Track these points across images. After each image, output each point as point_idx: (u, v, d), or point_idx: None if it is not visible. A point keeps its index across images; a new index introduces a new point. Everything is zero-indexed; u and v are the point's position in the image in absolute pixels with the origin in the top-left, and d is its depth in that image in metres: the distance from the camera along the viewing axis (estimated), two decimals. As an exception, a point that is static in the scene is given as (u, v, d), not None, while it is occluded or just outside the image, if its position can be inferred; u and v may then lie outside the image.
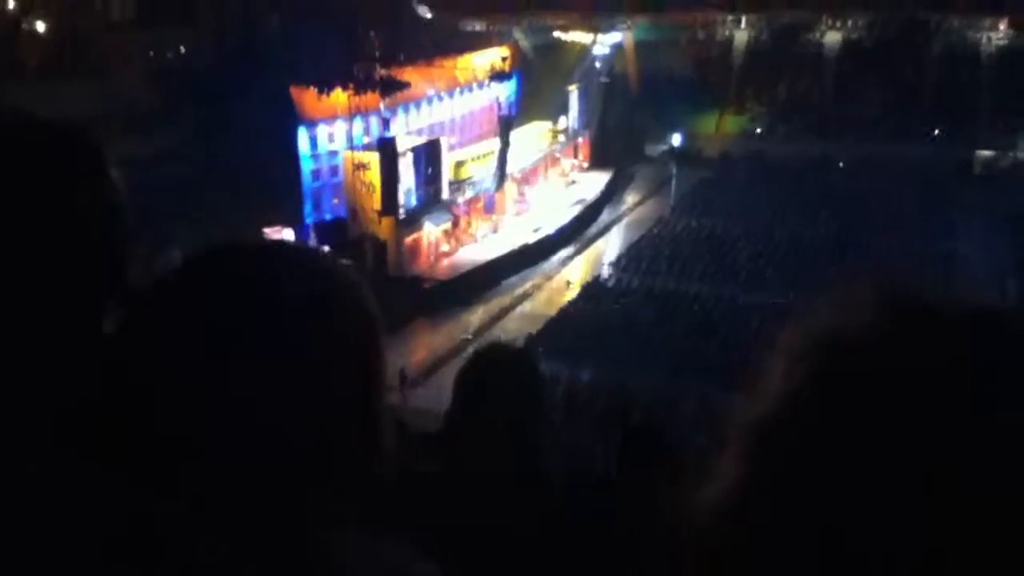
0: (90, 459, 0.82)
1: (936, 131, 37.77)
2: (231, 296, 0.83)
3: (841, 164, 36.24)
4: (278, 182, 24.35)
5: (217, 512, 0.79)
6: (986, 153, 36.57)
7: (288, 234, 23.71)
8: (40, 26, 34.87)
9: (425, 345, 21.54)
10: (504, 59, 31.06)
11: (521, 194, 31.82)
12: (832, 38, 41.92)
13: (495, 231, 29.21)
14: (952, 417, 0.61)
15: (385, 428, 0.90)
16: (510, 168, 29.72)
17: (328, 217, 25.71)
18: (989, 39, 39.77)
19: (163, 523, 0.78)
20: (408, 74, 26.67)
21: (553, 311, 24.37)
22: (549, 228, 29.45)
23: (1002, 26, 39.49)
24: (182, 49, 38.46)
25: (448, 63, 29.90)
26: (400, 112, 27.37)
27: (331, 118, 25.64)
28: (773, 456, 0.67)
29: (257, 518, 0.81)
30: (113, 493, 0.79)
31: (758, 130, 41.42)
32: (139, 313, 0.86)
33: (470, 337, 21.58)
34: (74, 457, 0.84)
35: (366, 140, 26.06)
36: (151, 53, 37.41)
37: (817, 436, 0.65)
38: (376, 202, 24.66)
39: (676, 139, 38.33)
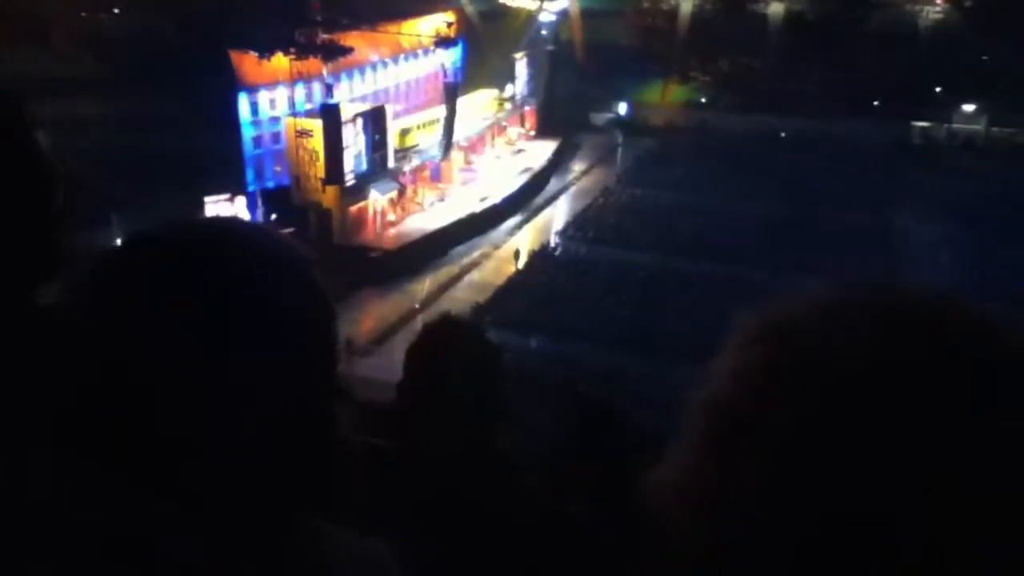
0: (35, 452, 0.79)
1: (876, 103, 38.50)
2: (177, 278, 0.79)
3: (783, 135, 36.74)
4: (219, 149, 23.82)
5: (196, 509, 0.76)
6: (923, 125, 37.41)
7: (238, 202, 23.34)
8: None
9: (373, 315, 21.42)
10: (449, 25, 30.73)
11: (468, 162, 31.69)
12: (775, 9, 42.31)
13: (442, 200, 29.05)
14: (898, 407, 0.62)
15: (338, 403, 0.87)
16: (456, 136, 29.53)
17: (271, 185, 25.30)
18: (926, 13, 40.55)
19: (139, 519, 0.75)
20: (351, 39, 26.22)
21: (501, 280, 24.39)
22: (496, 197, 29.38)
23: (938, 0, 40.31)
24: (116, 11, 37.26)
25: (392, 28, 29.45)
26: (344, 78, 26.95)
27: (272, 84, 25.14)
28: (724, 436, 0.68)
29: (242, 514, 0.78)
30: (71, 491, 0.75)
31: (702, 100, 41.78)
32: (82, 295, 0.80)
33: (418, 307, 21.51)
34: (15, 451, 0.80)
35: (308, 107, 25.63)
36: (83, 15, 36.19)
37: (767, 417, 0.66)
38: (320, 170, 24.32)
39: (622, 108, 38.47)
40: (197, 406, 0.75)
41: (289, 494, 0.81)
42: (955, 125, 37.32)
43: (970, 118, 37.54)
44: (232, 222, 0.93)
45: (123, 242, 0.84)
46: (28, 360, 0.87)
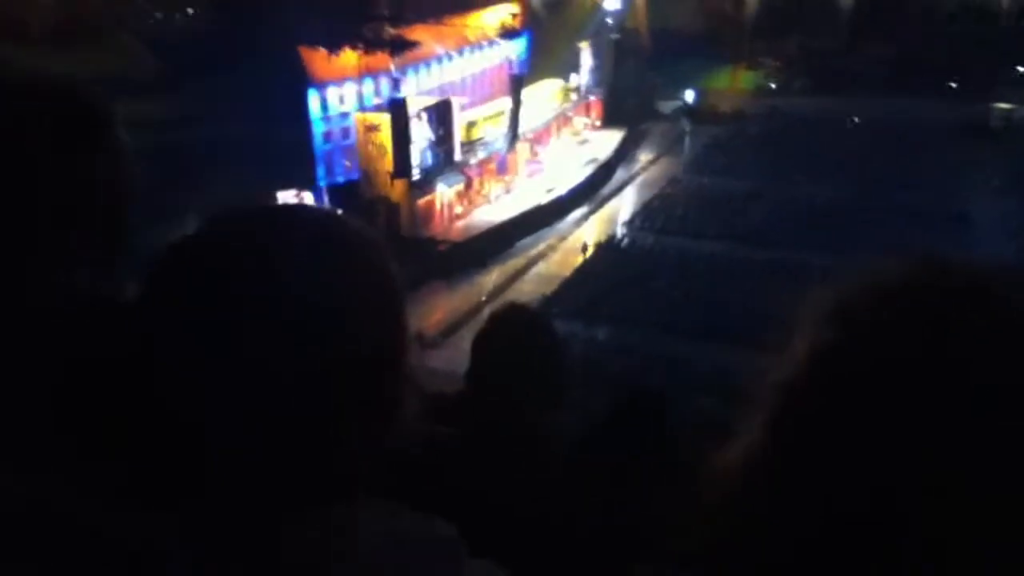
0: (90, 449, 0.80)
1: (952, 84, 37.20)
2: (252, 261, 0.80)
3: (855, 120, 35.77)
4: (290, 145, 24.23)
5: (235, 489, 0.78)
6: (1002, 106, 36.02)
7: (307, 198, 23.71)
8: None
9: (441, 307, 21.59)
10: (514, 16, 30.65)
11: (534, 154, 31.62)
12: (846, -10, 41.24)
13: (508, 192, 29.07)
14: (976, 392, 0.61)
15: (406, 391, 0.89)
16: (522, 128, 29.49)
17: (340, 180, 25.64)
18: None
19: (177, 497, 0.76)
20: (418, 33, 26.38)
21: (568, 272, 24.33)
22: (562, 188, 29.28)
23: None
24: (189, 11, 38.15)
25: (458, 21, 29.51)
26: (410, 72, 27.13)
27: (341, 79, 25.44)
28: (793, 421, 0.68)
29: (281, 494, 0.80)
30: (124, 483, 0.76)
31: (772, 85, 40.94)
32: (157, 283, 0.83)
33: (485, 299, 21.61)
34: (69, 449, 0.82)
35: (376, 101, 25.88)
36: (157, 15, 37.15)
37: (836, 403, 0.65)
38: (388, 164, 24.55)
39: (689, 96, 37.95)
40: (264, 386, 0.77)
41: (328, 468, 0.82)
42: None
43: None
44: (302, 208, 0.94)
45: (196, 231, 0.85)
46: (87, 344, 0.89)
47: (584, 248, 25.83)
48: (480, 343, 2.23)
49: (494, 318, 2.29)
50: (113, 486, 0.78)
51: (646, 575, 0.80)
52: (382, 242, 0.90)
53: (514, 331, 2.23)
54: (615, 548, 1.96)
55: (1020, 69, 36.64)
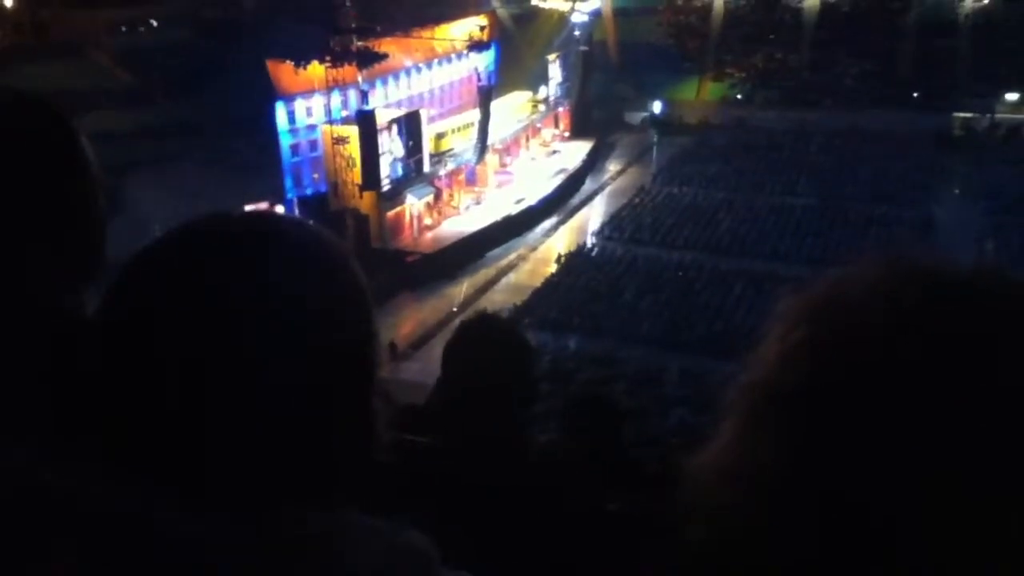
0: (72, 450, 0.79)
1: (915, 95, 37.85)
2: (226, 267, 0.79)
3: (820, 130, 36.25)
4: (257, 158, 24.15)
5: (217, 493, 0.76)
6: (964, 115, 36.70)
7: (278, 210, 23.57)
8: (7, 2, 34.24)
9: (412, 319, 21.55)
10: (482, 28, 30.81)
11: (503, 165, 31.70)
12: (811, 3, 41.81)
13: (478, 203, 29.10)
14: (949, 380, 0.61)
15: (378, 403, 0.87)
16: (491, 139, 29.55)
17: (309, 192, 25.55)
18: (966, 1, 39.79)
19: (160, 509, 0.75)
20: (385, 45, 26.41)
21: (538, 282, 24.39)
22: (532, 199, 29.36)
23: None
24: (154, 23, 37.89)
25: (426, 33, 29.59)
26: (378, 84, 27.15)
27: (309, 92, 25.39)
28: (767, 420, 0.67)
29: (258, 499, 0.78)
30: (102, 485, 0.75)
31: (738, 96, 41.38)
32: (125, 287, 0.80)
33: (456, 310, 21.58)
34: (55, 447, 0.80)
35: (344, 114, 25.84)
36: (123, 29, 36.86)
37: (810, 400, 0.65)
38: (356, 176, 24.51)
39: (656, 107, 38.27)
40: (235, 394, 0.76)
41: (315, 484, 0.82)
42: (998, 115, 36.53)
43: (1013, 107, 36.75)
44: (271, 215, 0.93)
45: (164, 235, 0.83)
46: (53, 356, 0.88)
47: (559, 258, 25.92)
48: (451, 352, 2.23)
49: (465, 327, 2.30)
50: (105, 471, 0.77)
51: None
52: (347, 246, 0.89)
53: (485, 339, 2.24)
54: (595, 545, 1.96)
55: (979, 80, 37.31)
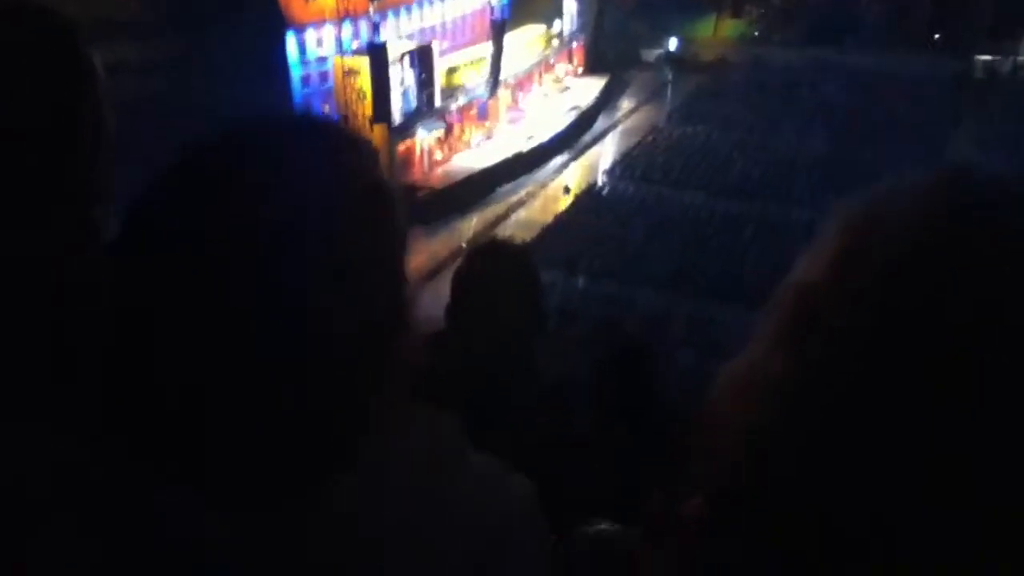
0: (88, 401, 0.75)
1: (936, 36, 37.10)
2: (255, 172, 0.76)
3: (837, 73, 35.64)
4: (267, 89, 23.87)
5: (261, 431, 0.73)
6: (985, 59, 35.99)
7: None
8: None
9: (422, 252, 21.53)
10: (497, -41, 30.14)
11: (515, 101, 31.34)
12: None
13: (489, 138, 28.86)
14: (1007, 289, 0.57)
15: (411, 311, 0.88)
16: (504, 74, 29.17)
17: (319, 124, 25.31)
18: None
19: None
20: (398, -25, 25.91)
21: (548, 219, 24.30)
22: (543, 135, 29.09)
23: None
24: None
25: (439, -36, 29.00)
26: (390, 16, 26.67)
27: (319, 22, 24.98)
28: (816, 328, 0.64)
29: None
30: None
31: (755, 35, 40.64)
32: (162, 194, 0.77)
33: (465, 245, 21.56)
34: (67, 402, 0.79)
35: (356, 45, 25.47)
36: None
37: (864, 309, 0.61)
38: (367, 109, 24.26)
39: (672, 44, 37.62)
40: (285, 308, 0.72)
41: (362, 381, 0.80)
42: (1020, 57, 35.80)
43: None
44: (302, 116, 0.90)
45: (193, 142, 0.80)
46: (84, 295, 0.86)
47: (566, 190, 25.79)
48: (460, 278, 2.22)
49: (473, 253, 2.29)
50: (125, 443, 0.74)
51: (659, 502, 0.79)
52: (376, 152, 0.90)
53: (494, 265, 2.22)
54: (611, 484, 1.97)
55: (1005, 21, 36.48)
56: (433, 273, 20.67)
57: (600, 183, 27.22)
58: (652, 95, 35.51)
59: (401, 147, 25.25)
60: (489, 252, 2.30)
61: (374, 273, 0.81)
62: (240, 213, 0.73)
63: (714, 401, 0.69)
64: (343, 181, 0.81)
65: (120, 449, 0.74)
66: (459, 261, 2.31)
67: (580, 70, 36.31)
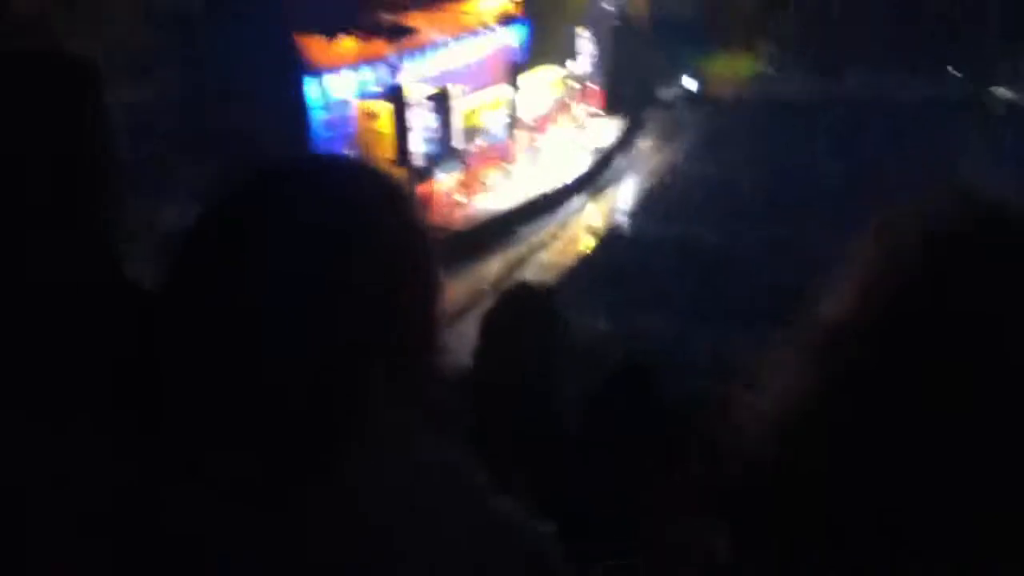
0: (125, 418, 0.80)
1: (950, 67, 37.15)
2: (295, 217, 0.82)
3: (851, 104, 35.70)
4: (288, 133, 24.14)
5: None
6: (1003, 91, 35.97)
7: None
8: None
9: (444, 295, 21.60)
10: (514, 3, 30.56)
11: (533, 141, 31.57)
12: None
13: (508, 179, 29.02)
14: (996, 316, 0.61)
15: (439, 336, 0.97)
16: (522, 115, 29.41)
17: (340, 168, 25.61)
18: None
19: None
20: (416, 19, 26.28)
21: (569, 260, 24.34)
22: (563, 176, 29.22)
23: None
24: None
25: (456, 7, 29.40)
26: (408, 59, 27.04)
27: (339, 67, 25.35)
28: (846, 363, 0.66)
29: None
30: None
31: (770, 70, 40.95)
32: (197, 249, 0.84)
33: (487, 288, 21.61)
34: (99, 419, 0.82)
35: (375, 89, 25.80)
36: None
37: (882, 340, 0.64)
38: (387, 152, 24.52)
39: (688, 82, 37.88)
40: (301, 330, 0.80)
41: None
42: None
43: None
44: (339, 159, 0.98)
45: (234, 175, 0.85)
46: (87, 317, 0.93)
47: (591, 230, 25.87)
48: (488, 321, 2.22)
49: (502, 296, 2.29)
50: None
51: (678, 533, 0.77)
52: (411, 192, 0.94)
53: (521, 308, 2.23)
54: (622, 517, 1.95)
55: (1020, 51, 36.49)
56: (456, 317, 20.74)
57: (620, 223, 27.26)
58: (669, 134, 35.70)
59: (421, 189, 25.43)
60: (517, 296, 2.30)
61: (407, 311, 0.90)
62: (280, 258, 0.80)
63: (735, 424, 0.72)
64: (382, 227, 0.87)
65: (126, 446, 0.79)
66: (484, 304, 2.31)
67: (598, 110, 36.59)
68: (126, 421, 0.76)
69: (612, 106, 37.10)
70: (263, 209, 0.81)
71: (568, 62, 35.27)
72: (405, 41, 25.78)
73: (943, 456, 0.58)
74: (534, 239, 25.99)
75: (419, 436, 0.89)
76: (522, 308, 2.22)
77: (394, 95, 24.36)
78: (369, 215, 0.85)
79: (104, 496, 0.75)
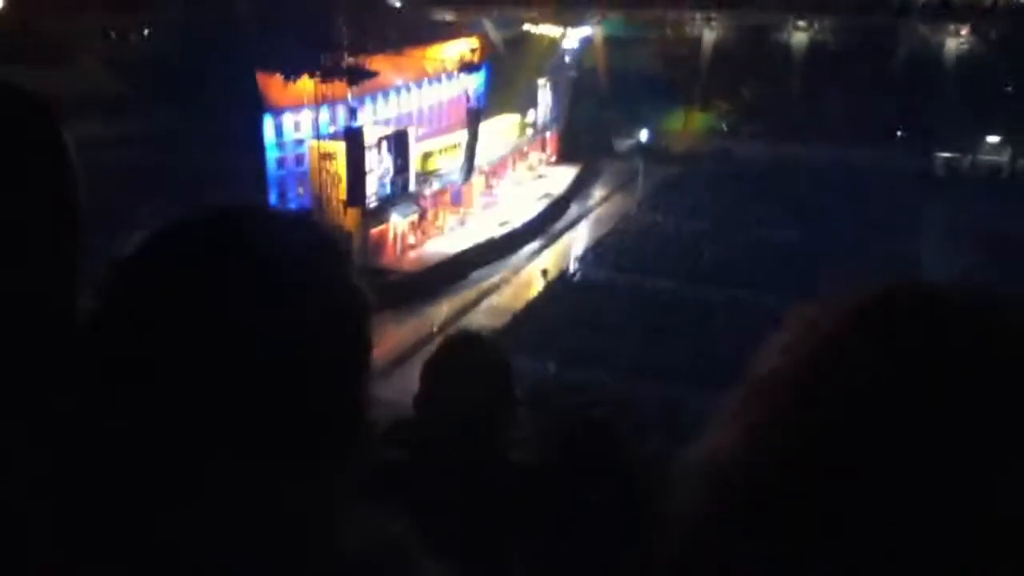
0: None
1: (900, 133, 38.39)
2: (222, 263, 0.78)
3: (803, 167, 36.68)
4: (242, 170, 24.02)
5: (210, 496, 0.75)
6: (946, 156, 37.23)
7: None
8: (-2, 4, 34.07)
9: (391, 337, 21.42)
10: (473, 50, 30.97)
11: (489, 187, 31.79)
12: (798, 39, 42.42)
13: (462, 224, 29.14)
14: (963, 392, 0.60)
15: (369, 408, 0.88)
16: (478, 161, 29.65)
17: (293, 206, 25.46)
18: (951, 44, 40.46)
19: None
20: (376, 63, 26.45)
21: (520, 305, 24.36)
22: (516, 222, 29.43)
23: (964, 31, 40.17)
24: (145, 32, 37.82)
25: (417, 53, 29.70)
26: (368, 101, 27.17)
27: (297, 106, 25.37)
28: (761, 417, 0.67)
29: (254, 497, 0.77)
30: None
31: (724, 128, 41.80)
32: (123, 290, 0.79)
33: (436, 330, 21.51)
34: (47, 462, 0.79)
35: (332, 129, 25.83)
36: (112, 35, 36.74)
37: (818, 397, 0.64)
38: (342, 192, 24.47)
39: (643, 135, 38.55)
40: (225, 391, 0.74)
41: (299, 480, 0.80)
42: (980, 156, 37.07)
43: (995, 150, 37.30)
44: (261, 209, 0.91)
45: (151, 233, 0.82)
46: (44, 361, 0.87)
47: (544, 273, 25.98)
48: (431, 369, 2.21)
49: (446, 345, 2.29)
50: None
51: None
52: (343, 241, 0.89)
53: (466, 356, 2.22)
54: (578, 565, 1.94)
55: (962, 121, 37.87)
56: (403, 358, 20.58)
57: (572, 270, 27.44)
58: (623, 184, 36.17)
59: (374, 231, 25.39)
60: (461, 344, 2.30)
61: (329, 372, 0.81)
62: (202, 304, 0.75)
63: (679, 484, 0.71)
64: (312, 283, 0.81)
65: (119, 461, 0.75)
66: (429, 349, 2.30)
67: (553, 158, 37.05)
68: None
69: (568, 155, 37.65)
70: (183, 259, 0.77)
71: (527, 111, 35.87)
72: (366, 83, 25.92)
73: (873, 507, 0.58)
74: (486, 283, 26.01)
75: (343, 512, 0.83)
76: (464, 355, 2.21)
77: (351, 136, 24.38)
78: (300, 268, 0.80)
79: (94, 511, 0.75)
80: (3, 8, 33.93)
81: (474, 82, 30.19)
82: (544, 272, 26.19)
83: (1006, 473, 0.58)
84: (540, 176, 35.00)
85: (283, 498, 0.78)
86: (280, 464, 0.78)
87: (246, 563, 0.75)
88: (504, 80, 33.23)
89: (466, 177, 29.24)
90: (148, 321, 0.75)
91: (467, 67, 29.95)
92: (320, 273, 0.81)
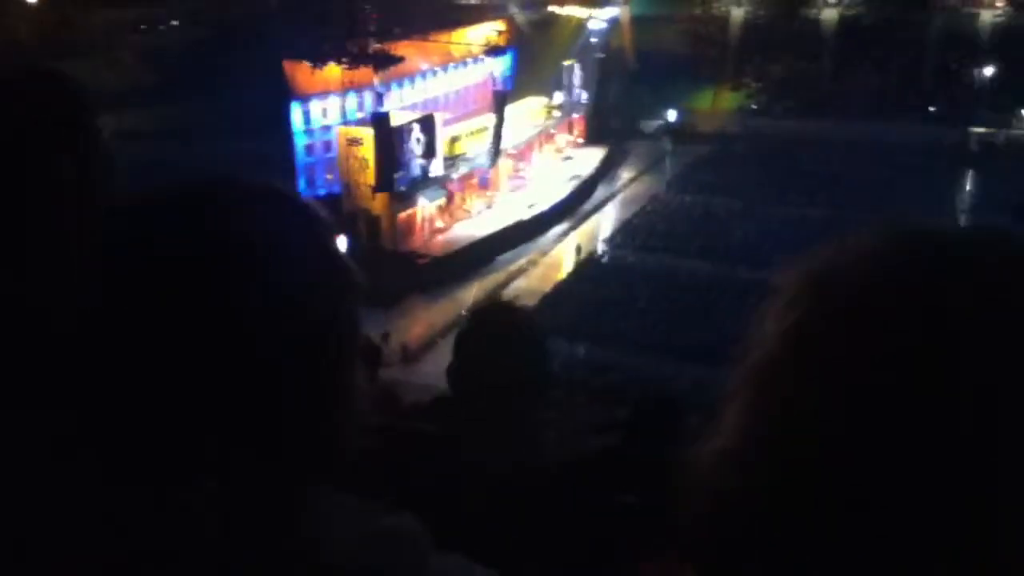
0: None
1: (933, 109, 37.67)
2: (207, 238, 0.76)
3: (836, 144, 36.08)
4: (272, 157, 24.17)
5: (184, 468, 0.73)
6: (981, 131, 36.49)
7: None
8: (31, -1, 34.45)
9: (422, 321, 21.54)
10: (499, 33, 30.81)
11: (516, 170, 31.68)
12: (829, 15, 41.70)
13: (490, 207, 29.10)
14: (956, 346, 0.57)
15: (351, 401, 0.84)
16: (505, 144, 29.56)
17: (322, 192, 25.58)
18: (986, 16, 39.60)
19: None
20: (402, 48, 26.44)
21: (548, 287, 24.34)
22: (544, 204, 29.34)
23: (1000, 3, 39.32)
24: (175, 23, 38.06)
25: (443, 37, 29.62)
26: (394, 87, 27.18)
27: (324, 93, 25.46)
28: (769, 401, 0.65)
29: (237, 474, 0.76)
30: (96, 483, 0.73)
31: (754, 107, 41.24)
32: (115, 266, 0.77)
33: (465, 313, 21.52)
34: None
35: (360, 115, 25.88)
36: (143, 27, 37.04)
37: (813, 375, 0.62)
38: (370, 178, 24.53)
39: (672, 115, 38.18)
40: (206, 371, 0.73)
41: (286, 461, 0.78)
42: (1014, 131, 36.31)
43: (1031, 123, 36.54)
44: (224, 183, 0.87)
45: (109, 213, 0.82)
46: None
47: (578, 250, 25.95)
48: (464, 340, 2.17)
49: (477, 315, 2.26)
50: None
51: (651, 573, 0.78)
52: (326, 220, 0.87)
53: (498, 326, 2.18)
54: (609, 546, 1.93)
55: (1001, 94, 37.11)
56: (433, 342, 20.64)
57: (600, 251, 27.35)
58: (651, 165, 35.91)
59: (403, 215, 25.45)
60: (493, 313, 2.28)
61: (303, 351, 0.78)
62: (164, 286, 0.74)
63: (687, 478, 0.70)
64: (292, 253, 0.79)
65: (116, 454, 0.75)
66: (461, 325, 2.27)
67: (581, 140, 36.80)
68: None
69: (595, 136, 37.42)
70: (142, 242, 0.75)
71: (554, 93, 35.65)
72: (392, 69, 25.92)
73: (888, 485, 0.56)
74: (514, 266, 26.01)
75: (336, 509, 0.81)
76: (498, 323, 2.18)
77: (379, 121, 24.41)
78: (267, 243, 0.78)
79: (94, 506, 0.75)
80: (36, 3, 34.29)
81: (500, 65, 30.08)
82: (578, 249, 26.20)
83: None
84: (567, 158, 34.80)
85: (252, 482, 0.76)
86: (249, 449, 0.75)
87: (227, 552, 0.74)
88: (530, 62, 33.04)
89: (493, 160, 29.18)
90: (110, 307, 0.73)
91: (493, 50, 29.84)
92: (291, 248, 0.78)
